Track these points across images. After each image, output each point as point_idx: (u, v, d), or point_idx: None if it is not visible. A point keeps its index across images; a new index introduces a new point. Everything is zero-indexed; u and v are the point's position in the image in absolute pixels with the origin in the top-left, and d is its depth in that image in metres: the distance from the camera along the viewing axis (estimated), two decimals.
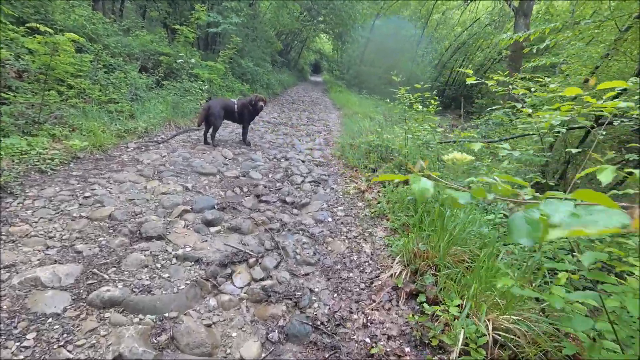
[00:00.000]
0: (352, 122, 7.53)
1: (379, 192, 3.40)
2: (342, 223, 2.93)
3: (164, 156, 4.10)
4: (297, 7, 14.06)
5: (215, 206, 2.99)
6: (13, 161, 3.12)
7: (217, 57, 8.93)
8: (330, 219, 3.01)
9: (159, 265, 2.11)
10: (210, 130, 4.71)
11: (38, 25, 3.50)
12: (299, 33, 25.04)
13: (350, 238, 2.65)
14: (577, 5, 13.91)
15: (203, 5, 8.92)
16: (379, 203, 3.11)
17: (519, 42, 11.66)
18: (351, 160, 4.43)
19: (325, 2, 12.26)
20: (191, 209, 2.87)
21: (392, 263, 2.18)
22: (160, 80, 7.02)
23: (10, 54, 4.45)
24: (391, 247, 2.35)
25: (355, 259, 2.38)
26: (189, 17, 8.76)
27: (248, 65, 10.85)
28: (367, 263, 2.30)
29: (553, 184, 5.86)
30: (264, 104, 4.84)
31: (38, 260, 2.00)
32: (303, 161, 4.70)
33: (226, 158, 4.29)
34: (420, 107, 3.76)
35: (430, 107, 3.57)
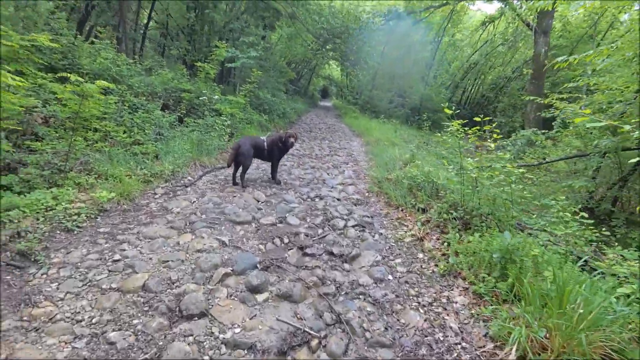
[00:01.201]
0: (379, 150, 7.23)
1: (439, 239, 2.98)
2: (406, 282, 2.50)
3: (194, 202, 3.81)
4: (310, 37, 14.34)
5: (258, 265, 2.62)
6: (38, 219, 2.86)
7: (238, 91, 8.95)
8: (390, 277, 2.59)
9: (206, 359, 1.72)
10: (240, 170, 4.44)
11: (69, 75, 3.37)
12: (309, 61, 25.70)
13: (424, 306, 2.22)
14: (591, 17, 13.72)
15: (222, 42, 9.08)
16: (443, 255, 2.68)
17: (540, 60, 11.43)
18: (393, 197, 4.05)
19: (339, 30, 12.44)
20: (232, 270, 2.50)
21: (494, 347, 1.73)
22: (182, 117, 6.95)
23: (38, 101, 4.38)
24: (487, 322, 1.90)
25: (440, 337, 1.94)
26: (207, 53, 8.90)
27: (265, 97, 10.88)
28: (459, 346, 1.85)
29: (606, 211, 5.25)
30: (295, 140, 4.58)
31: (65, 358, 1.64)
32: (339, 199, 4.35)
33: (259, 201, 3.98)
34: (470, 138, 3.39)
35: (492, 140, 3.20)
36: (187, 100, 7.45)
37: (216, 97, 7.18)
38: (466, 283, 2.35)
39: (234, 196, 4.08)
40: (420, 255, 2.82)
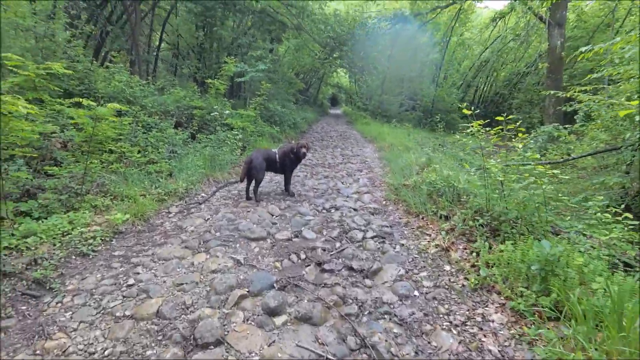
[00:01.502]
0: (393, 156, 7.04)
1: (466, 249, 2.77)
2: (435, 299, 2.31)
3: (208, 219, 3.75)
4: (317, 47, 14.42)
5: (275, 285, 2.49)
6: (54, 245, 2.86)
7: (247, 105, 9.01)
8: (416, 293, 2.40)
9: None
10: (253, 185, 4.37)
11: (82, 100, 3.42)
12: (317, 70, 25.89)
13: (457, 325, 2.02)
14: (608, 5, 13.17)
15: (231, 57, 9.22)
16: (473, 266, 2.48)
17: (556, 53, 11.01)
18: (412, 205, 3.86)
19: (345, 37, 12.44)
20: (248, 291, 2.39)
21: None
22: (195, 134, 7.03)
23: (56, 127, 4.49)
24: (531, 345, 1.69)
25: None
26: (217, 69, 9.04)
27: (276, 108, 10.92)
28: None
29: None
30: (307, 150, 4.49)
31: None
32: (355, 209, 4.19)
33: (273, 215, 3.88)
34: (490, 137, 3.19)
35: (517, 140, 2.99)
36: (198, 117, 7.55)
37: (227, 112, 7.23)
38: (502, 298, 2.14)
39: (248, 211, 4.00)
40: (447, 268, 2.62)
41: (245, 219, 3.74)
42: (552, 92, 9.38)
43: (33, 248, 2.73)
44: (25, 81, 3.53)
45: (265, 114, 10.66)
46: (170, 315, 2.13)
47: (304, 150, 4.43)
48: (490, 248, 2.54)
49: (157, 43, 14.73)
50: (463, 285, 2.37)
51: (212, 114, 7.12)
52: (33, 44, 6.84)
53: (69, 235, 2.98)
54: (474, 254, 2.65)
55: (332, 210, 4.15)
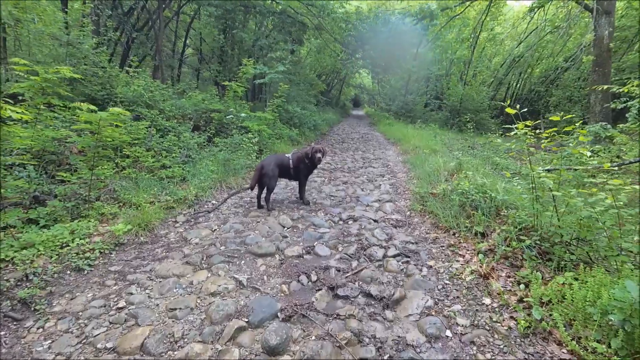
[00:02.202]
0: (418, 160, 6.51)
1: (510, 276, 2.28)
2: (472, 343, 1.86)
3: (215, 230, 3.49)
4: (338, 47, 14.05)
5: (279, 314, 2.14)
6: (51, 257, 2.69)
7: (265, 107, 8.81)
8: (448, 333, 1.96)
9: None
10: (265, 193, 4.07)
11: (80, 104, 3.27)
12: (339, 72, 25.54)
13: None
14: None
15: (250, 59, 9.07)
16: (521, 301, 1.99)
17: (604, 44, 9.91)
18: (442, 218, 3.38)
19: (367, 36, 12.00)
20: (247, 322, 2.06)
21: None
22: (212, 137, 6.89)
23: (71, 132, 4.44)
24: None
25: None
26: (237, 72, 8.93)
27: (295, 110, 10.67)
28: None
29: None
30: (323, 155, 4.12)
31: None
32: (375, 220, 3.77)
33: (284, 227, 3.55)
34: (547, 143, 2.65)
35: (581, 145, 2.46)
36: (216, 120, 7.43)
37: (242, 114, 7.02)
38: (564, 351, 1.65)
39: (258, 222, 3.70)
40: (487, 301, 2.15)
41: (254, 230, 3.44)
42: (600, 87, 8.39)
43: (28, 262, 2.57)
44: (32, 86, 3.44)
45: (284, 116, 10.44)
46: (156, 350, 1.84)
47: (319, 155, 4.07)
48: (543, 278, 2.04)
49: (182, 48, 15.06)
50: (509, 328, 1.90)
51: (227, 117, 6.94)
52: (62, 52, 7.02)
53: (67, 247, 2.81)
54: (522, 285, 2.15)
55: (350, 222, 3.76)
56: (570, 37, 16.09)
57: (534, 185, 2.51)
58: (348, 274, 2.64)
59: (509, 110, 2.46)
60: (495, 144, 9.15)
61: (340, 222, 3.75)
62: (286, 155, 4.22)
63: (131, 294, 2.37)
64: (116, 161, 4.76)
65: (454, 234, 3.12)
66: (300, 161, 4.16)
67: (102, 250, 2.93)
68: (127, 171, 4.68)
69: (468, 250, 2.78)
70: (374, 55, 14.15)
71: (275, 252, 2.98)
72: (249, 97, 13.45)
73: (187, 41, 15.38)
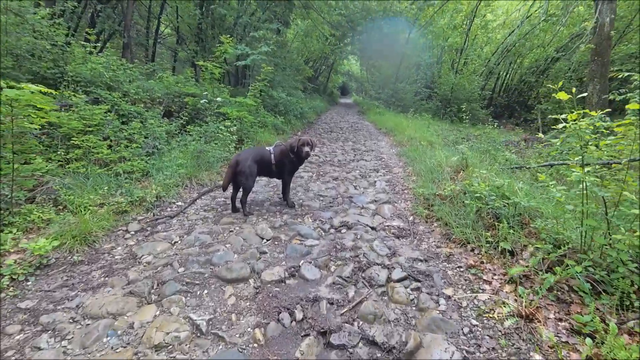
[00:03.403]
0: (415, 153, 5.93)
1: (561, 319, 1.71)
2: None
3: (175, 243, 2.78)
4: (327, 29, 13.14)
5: None
6: None
7: (247, 92, 7.96)
8: None
9: None
10: (240, 193, 3.37)
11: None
12: (327, 58, 24.53)
13: None
14: None
15: (230, 37, 8.13)
16: None
17: (604, 32, 9.50)
18: (455, 228, 2.79)
19: (359, 16, 11.15)
20: None
21: None
22: (185, 125, 6.06)
23: None
24: None
25: None
26: (215, 53, 8.00)
27: (280, 96, 9.84)
28: None
29: None
30: (311, 149, 3.43)
31: None
32: (374, 228, 3.16)
33: (263, 239, 2.87)
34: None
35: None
36: (191, 106, 6.56)
37: (219, 99, 6.18)
38: None
39: (231, 231, 3.01)
40: (538, 359, 1.58)
41: (224, 244, 2.75)
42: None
43: None
44: None
45: (269, 103, 9.60)
46: None
47: (307, 149, 3.38)
48: (618, 329, 1.48)
49: (156, 26, 13.73)
50: None
51: (202, 102, 6.10)
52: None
53: None
54: (581, 336, 1.59)
55: (343, 230, 3.12)
56: (565, 25, 15.72)
57: (585, 192, 1.94)
58: (344, 310, 2.02)
59: (560, 95, 1.85)
60: (490, 136, 8.71)
61: (332, 231, 3.11)
62: (267, 148, 3.51)
63: (39, 348, 1.67)
64: (59, 152, 3.93)
65: (472, 250, 2.54)
66: (284, 156, 3.46)
67: (17, 275, 2.19)
68: (73, 165, 3.86)
69: (495, 274, 2.20)
70: (365, 37, 13.35)
71: (249, 277, 2.32)
72: (231, 83, 12.43)
73: (163, 18, 14.03)
